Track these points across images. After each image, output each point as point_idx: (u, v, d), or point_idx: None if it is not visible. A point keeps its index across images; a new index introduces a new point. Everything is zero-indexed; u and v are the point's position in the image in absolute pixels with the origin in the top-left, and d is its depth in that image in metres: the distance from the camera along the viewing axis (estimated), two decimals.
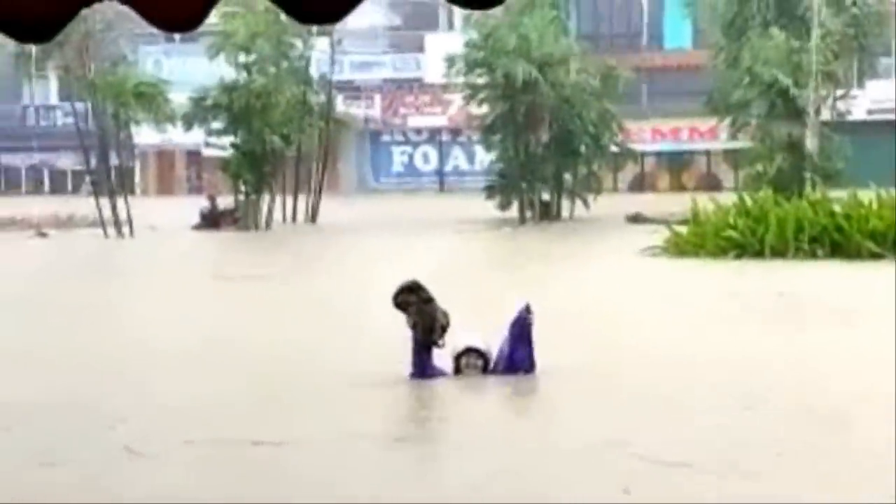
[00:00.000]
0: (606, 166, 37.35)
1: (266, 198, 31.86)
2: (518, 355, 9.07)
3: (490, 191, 33.24)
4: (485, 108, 33.42)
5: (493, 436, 7.77)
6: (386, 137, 52.05)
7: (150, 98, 30.99)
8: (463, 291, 11.84)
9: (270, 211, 31.81)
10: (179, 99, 32.19)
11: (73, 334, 12.38)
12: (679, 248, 20.68)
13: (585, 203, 32.52)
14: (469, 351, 9.14)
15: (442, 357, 9.19)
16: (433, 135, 51.47)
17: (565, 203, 32.98)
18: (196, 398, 8.82)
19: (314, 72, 35.04)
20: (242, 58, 31.57)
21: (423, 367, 9.05)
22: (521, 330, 9.06)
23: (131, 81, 31.37)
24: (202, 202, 33.01)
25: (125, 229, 28.98)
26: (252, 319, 13.37)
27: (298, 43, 32.98)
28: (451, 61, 33.28)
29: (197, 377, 9.72)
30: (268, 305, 14.82)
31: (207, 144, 34.72)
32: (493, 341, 9.22)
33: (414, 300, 9.03)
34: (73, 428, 7.94)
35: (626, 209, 30.37)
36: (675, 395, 8.60)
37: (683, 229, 21.29)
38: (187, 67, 39.33)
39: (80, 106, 33.45)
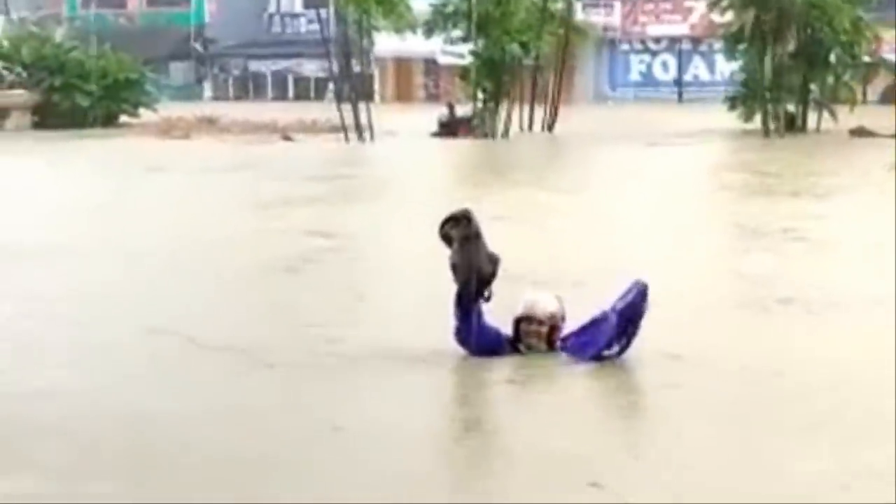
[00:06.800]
0: (855, 77, 35.66)
1: (504, 106, 31.84)
2: (614, 346, 6.67)
3: (732, 101, 32.32)
4: (729, 16, 32.38)
5: None
6: (624, 46, 51.18)
7: (391, 5, 31.28)
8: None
9: (508, 119, 31.80)
10: (418, 6, 32.37)
11: None
12: None
13: (833, 115, 31.26)
14: (530, 318, 6.96)
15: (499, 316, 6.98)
16: (673, 43, 50.35)
17: (811, 115, 31.77)
18: None
19: None
20: None
21: (468, 330, 6.85)
22: (631, 317, 6.62)
23: None
24: (439, 110, 33.27)
25: (366, 134, 29.53)
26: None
27: None
28: None
29: None
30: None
31: (444, 52, 34.84)
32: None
33: (457, 234, 6.83)
34: None
35: (875, 122, 29.02)
36: None
37: None
38: None
39: (323, 13, 34.01)
